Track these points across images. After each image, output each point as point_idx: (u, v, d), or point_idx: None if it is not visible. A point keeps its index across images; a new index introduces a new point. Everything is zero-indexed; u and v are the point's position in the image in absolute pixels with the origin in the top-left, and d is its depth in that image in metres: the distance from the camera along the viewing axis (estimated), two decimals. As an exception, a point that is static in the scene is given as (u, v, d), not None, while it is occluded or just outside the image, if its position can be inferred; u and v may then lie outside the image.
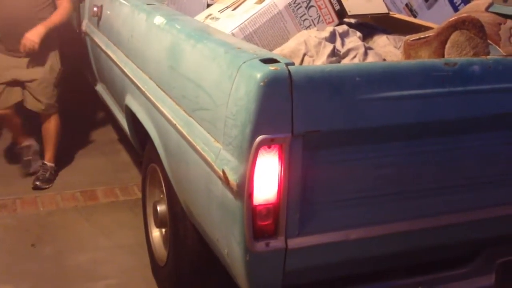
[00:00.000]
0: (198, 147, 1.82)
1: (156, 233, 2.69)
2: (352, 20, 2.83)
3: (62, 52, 3.76)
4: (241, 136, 1.56)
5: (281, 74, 1.53)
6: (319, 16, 2.51)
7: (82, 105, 4.60)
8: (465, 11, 2.39)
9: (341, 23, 2.57)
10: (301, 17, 2.48)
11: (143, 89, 2.40)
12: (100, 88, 3.74)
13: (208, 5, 2.98)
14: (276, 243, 1.64)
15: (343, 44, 2.43)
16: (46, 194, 3.56)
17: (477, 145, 1.83)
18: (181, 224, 2.24)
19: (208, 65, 1.85)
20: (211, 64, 1.82)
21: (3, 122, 3.82)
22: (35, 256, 2.93)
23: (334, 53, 2.34)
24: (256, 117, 1.52)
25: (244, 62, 1.63)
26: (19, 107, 3.67)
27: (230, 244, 1.70)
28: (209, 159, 1.74)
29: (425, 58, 2.03)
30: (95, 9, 3.32)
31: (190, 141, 1.89)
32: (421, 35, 2.09)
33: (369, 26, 2.84)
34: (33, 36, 3.42)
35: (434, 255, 1.97)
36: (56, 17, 3.59)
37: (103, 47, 3.17)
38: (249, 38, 2.40)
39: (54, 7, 3.61)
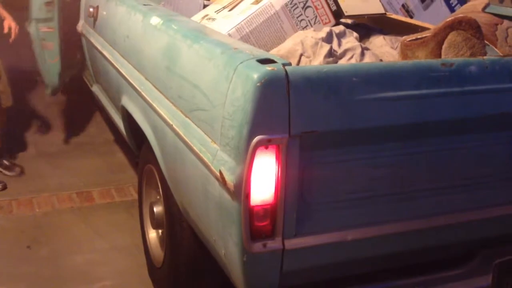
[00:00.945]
0: (195, 148, 1.82)
1: (152, 234, 2.68)
2: (349, 21, 2.83)
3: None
4: (238, 137, 1.56)
5: (278, 75, 1.52)
6: (316, 17, 2.51)
7: (78, 106, 4.60)
8: (461, 11, 2.40)
9: (337, 23, 2.57)
10: (297, 17, 2.48)
11: (140, 90, 2.39)
12: (96, 88, 3.73)
13: (205, 6, 2.97)
14: (273, 243, 1.64)
15: (340, 45, 2.43)
16: (42, 195, 3.55)
17: (474, 145, 1.83)
18: (178, 225, 2.23)
19: (205, 66, 1.84)
20: (208, 64, 1.81)
21: None
22: (31, 258, 2.92)
23: (331, 53, 2.34)
24: (253, 117, 1.52)
25: (241, 63, 1.62)
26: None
27: (227, 245, 1.70)
28: (206, 159, 1.74)
29: (422, 58, 2.03)
30: (91, 9, 3.31)
31: (187, 141, 1.88)
32: (418, 35, 2.09)
33: (366, 26, 2.85)
34: None
35: (431, 256, 1.97)
36: None
37: (99, 48, 3.16)
38: (245, 39, 2.40)
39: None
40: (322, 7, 2.51)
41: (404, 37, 2.16)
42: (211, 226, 1.83)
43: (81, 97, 4.44)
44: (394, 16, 2.98)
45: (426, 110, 1.69)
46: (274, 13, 2.44)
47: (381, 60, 2.44)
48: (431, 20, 2.84)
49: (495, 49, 2.17)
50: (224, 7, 2.62)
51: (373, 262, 1.87)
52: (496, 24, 2.21)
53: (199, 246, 2.14)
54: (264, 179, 1.57)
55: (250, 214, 1.59)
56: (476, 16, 2.05)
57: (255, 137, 1.52)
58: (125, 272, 2.81)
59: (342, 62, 2.37)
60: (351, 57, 2.39)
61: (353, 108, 1.61)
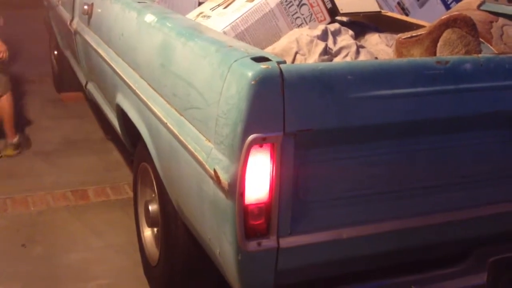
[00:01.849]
0: (189, 146, 1.81)
1: (147, 233, 2.68)
2: (344, 18, 2.83)
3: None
4: (232, 135, 1.55)
5: (272, 73, 1.52)
6: (311, 14, 2.51)
7: (73, 103, 4.58)
8: (457, 9, 2.40)
9: (333, 21, 2.57)
10: (293, 15, 2.47)
11: (134, 88, 2.38)
12: (90, 86, 3.72)
13: (199, 3, 2.96)
14: (268, 242, 1.63)
15: (335, 43, 2.43)
16: (37, 194, 3.54)
17: (469, 143, 1.83)
18: (173, 223, 2.23)
19: (199, 64, 1.83)
20: (202, 62, 1.81)
21: None
22: (26, 256, 2.91)
23: (326, 51, 2.33)
24: (248, 115, 1.51)
25: (236, 61, 1.62)
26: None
27: (222, 244, 1.69)
28: (200, 158, 1.73)
29: (417, 56, 2.03)
30: (85, 7, 3.30)
31: (182, 140, 1.88)
32: (413, 33, 2.09)
33: (361, 24, 2.84)
34: None
35: (427, 254, 1.97)
36: None
37: (94, 46, 3.15)
38: (240, 37, 2.39)
39: None
40: (317, 4, 2.51)
41: (399, 35, 2.15)
42: (205, 224, 1.82)
43: (77, 95, 4.42)
44: (389, 14, 2.97)
45: (422, 108, 1.69)
46: (269, 11, 2.43)
47: (376, 58, 2.44)
48: (427, 17, 2.83)
49: (490, 46, 2.17)
50: (219, 5, 2.61)
51: (369, 260, 1.86)
52: (491, 22, 2.21)
53: (194, 244, 2.14)
54: (259, 177, 1.56)
55: (244, 212, 1.58)
56: (471, 14, 2.05)
57: (250, 135, 1.51)
58: (120, 270, 2.80)
59: (337, 60, 2.36)
60: (346, 55, 2.39)
61: (348, 106, 1.61)
